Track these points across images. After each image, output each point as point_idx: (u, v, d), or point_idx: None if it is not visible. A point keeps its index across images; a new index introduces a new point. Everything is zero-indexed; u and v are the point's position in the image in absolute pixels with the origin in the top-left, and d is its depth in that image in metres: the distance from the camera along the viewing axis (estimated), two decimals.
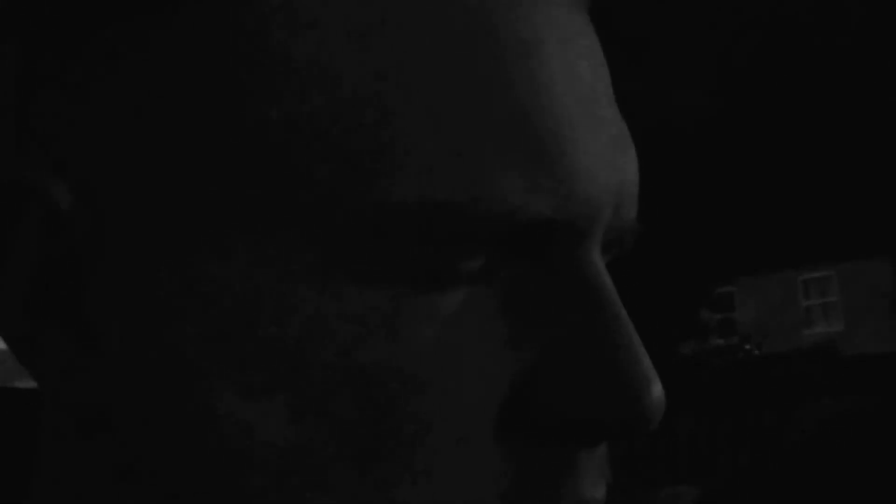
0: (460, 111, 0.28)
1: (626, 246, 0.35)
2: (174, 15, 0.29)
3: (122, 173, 0.29)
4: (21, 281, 0.30)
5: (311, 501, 0.28)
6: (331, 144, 0.28)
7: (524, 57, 0.29)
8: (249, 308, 0.28)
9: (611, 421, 0.29)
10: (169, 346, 0.29)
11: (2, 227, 0.30)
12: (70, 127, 0.30)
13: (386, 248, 0.28)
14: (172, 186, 0.29)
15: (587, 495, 0.31)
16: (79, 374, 0.30)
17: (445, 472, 0.28)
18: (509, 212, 0.28)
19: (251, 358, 0.28)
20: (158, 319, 0.29)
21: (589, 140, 0.30)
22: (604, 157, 0.30)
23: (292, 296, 0.28)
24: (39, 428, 0.34)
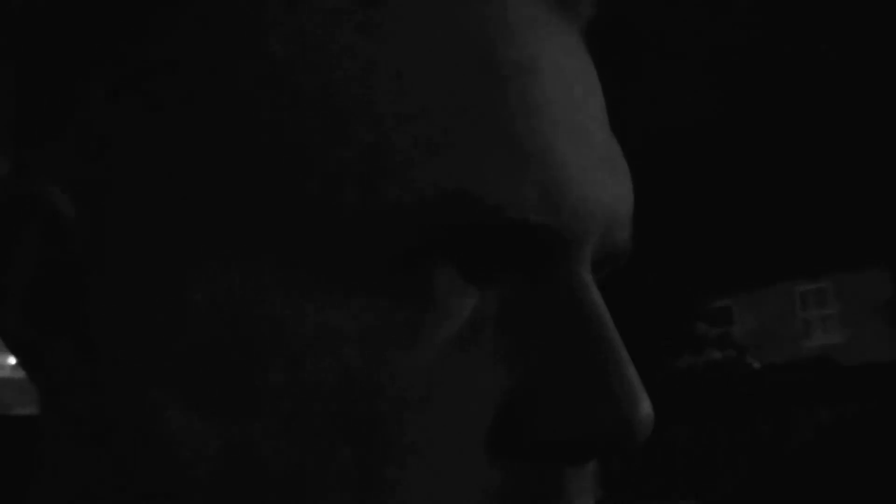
0: (452, 120, 0.29)
1: (617, 266, 0.36)
2: (172, 32, 0.30)
3: (123, 185, 0.30)
4: (23, 288, 0.30)
5: None
6: (322, 156, 0.28)
7: (518, 79, 0.30)
8: (245, 321, 0.28)
9: (598, 439, 0.29)
10: (164, 356, 0.29)
11: (5, 234, 0.31)
12: (73, 139, 0.31)
13: (381, 256, 0.28)
14: (170, 199, 0.29)
15: None
16: (78, 381, 0.30)
17: (433, 489, 0.29)
18: (494, 207, 0.29)
19: (246, 371, 0.28)
20: (155, 330, 0.29)
21: (578, 158, 0.31)
22: (593, 175, 0.31)
23: (289, 310, 0.28)
24: (39, 435, 0.34)
